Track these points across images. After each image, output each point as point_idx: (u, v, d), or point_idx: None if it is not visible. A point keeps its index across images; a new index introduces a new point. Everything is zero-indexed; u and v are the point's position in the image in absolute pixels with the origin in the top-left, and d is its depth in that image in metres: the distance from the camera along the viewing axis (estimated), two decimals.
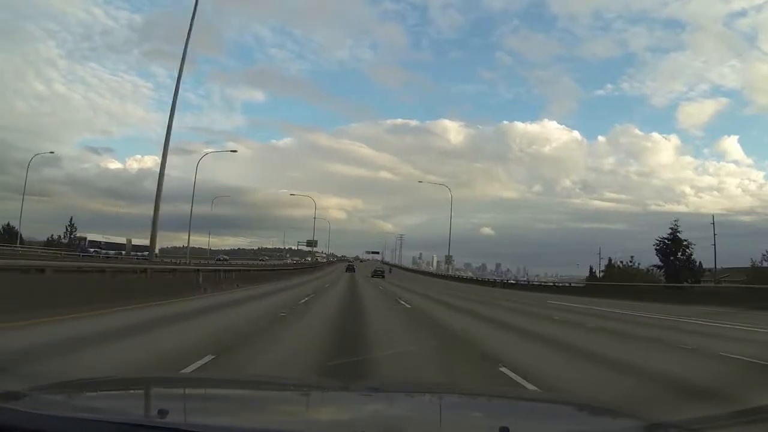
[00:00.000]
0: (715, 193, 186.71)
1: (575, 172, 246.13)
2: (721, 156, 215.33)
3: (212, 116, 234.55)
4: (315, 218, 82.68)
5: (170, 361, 6.57)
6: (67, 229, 68.06)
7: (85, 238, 61.95)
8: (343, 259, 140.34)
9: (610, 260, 54.23)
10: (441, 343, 9.59)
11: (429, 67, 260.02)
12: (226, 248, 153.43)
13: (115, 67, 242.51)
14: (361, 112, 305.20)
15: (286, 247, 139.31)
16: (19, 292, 9.89)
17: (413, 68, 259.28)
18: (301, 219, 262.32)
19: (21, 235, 59.54)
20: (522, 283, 59.11)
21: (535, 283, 57.44)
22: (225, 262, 62.54)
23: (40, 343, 6.93)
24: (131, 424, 1.55)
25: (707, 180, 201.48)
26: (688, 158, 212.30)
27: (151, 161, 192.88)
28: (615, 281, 39.11)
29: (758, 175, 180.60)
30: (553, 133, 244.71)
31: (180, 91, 21.35)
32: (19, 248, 48.76)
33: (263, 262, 77.35)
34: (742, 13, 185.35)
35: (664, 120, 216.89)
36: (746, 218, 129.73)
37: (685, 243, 39.86)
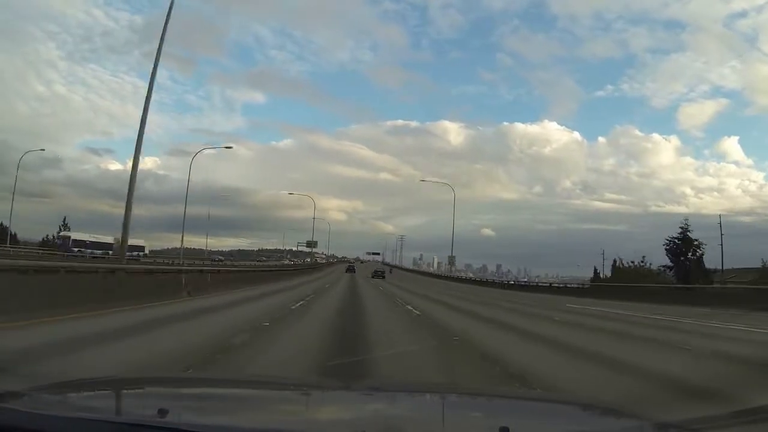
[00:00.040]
0: (716, 194, 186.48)
1: (575, 173, 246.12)
2: (721, 157, 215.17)
3: (212, 118, 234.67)
4: (314, 218, 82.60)
5: None
6: (60, 229, 66.68)
7: (69, 237, 59.88)
8: (343, 260, 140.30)
9: (614, 261, 53.29)
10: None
11: (429, 68, 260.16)
12: (226, 249, 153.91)
13: (115, 68, 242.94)
14: (361, 114, 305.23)
15: (287, 249, 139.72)
16: None
17: (413, 69, 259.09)
18: (302, 220, 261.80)
19: (15, 234, 59.20)
20: (523, 284, 58.91)
21: (540, 284, 56.22)
22: (219, 263, 62.24)
23: None
24: (131, 424, 1.55)
25: (707, 181, 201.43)
26: (689, 159, 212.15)
27: (152, 162, 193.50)
28: (625, 282, 37.63)
29: (758, 176, 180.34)
30: (553, 134, 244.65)
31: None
32: (9, 248, 47.76)
33: (260, 263, 77.21)
34: (743, 14, 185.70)
35: (664, 121, 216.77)
36: (746, 219, 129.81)
37: (696, 243, 39.03)
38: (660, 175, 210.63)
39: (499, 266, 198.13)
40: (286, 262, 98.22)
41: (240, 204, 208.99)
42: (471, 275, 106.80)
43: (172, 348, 7.69)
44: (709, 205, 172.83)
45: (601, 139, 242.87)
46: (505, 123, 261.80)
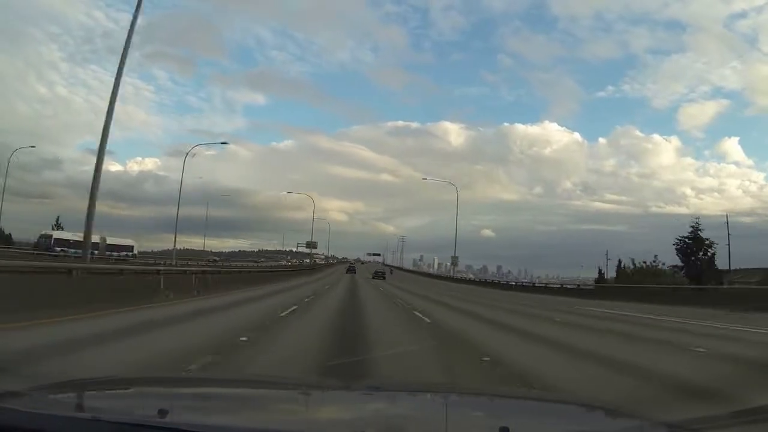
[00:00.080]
0: (716, 194, 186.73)
1: (576, 173, 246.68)
2: (721, 157, 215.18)
3: (213, 119, 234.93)
4: (314, 218, 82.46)
5: None
6: (53, 229, 64.57)
7: (51, 236, 57.93)
8: (343, 261, 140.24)
9: (619, 262, 52.15)
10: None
11: (430, 69, 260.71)
12: (227, 250, 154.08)
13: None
14: (362, 115, 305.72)
15: (287, 249, 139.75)
16: None
17: (414, 70, 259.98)
18: (302, 221, 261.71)
19: (10, 235, 59.21)
20: (525, 284, 58.47)
21: (546, 285, 54.88)
22: (214, 263, 61.63)
23: None
24: (131, 424, 1.55)
25: (708, 181, 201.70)
26: (689, 160, 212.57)
27: (152, 164, 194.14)
28: (634, 283, 36.66)
29: (759, 177, 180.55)
30: (554, 135, 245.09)
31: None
32: None
33: (257, 263, 76.75)
34: (743, 15, 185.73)
35: (664, 121, 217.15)
36: (747, 219, 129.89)
37: (707, 242, 38.45)
38: (660, 175, 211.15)
39: (499, 267, 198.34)
40: (284, 263, 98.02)
41: (240, 205, 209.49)
42: (471, 276, 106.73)
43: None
44: (710, 205, 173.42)
45: (601, 139, 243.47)
46: (506, 124, 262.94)
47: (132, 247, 67.36)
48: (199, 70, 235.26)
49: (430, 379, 6.21)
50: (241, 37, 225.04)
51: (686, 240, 38.73)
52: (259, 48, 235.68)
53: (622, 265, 50.58)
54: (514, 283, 61.69)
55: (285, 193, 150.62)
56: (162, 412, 1.64)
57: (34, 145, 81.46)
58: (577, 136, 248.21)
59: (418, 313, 15.99)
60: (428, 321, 13.88)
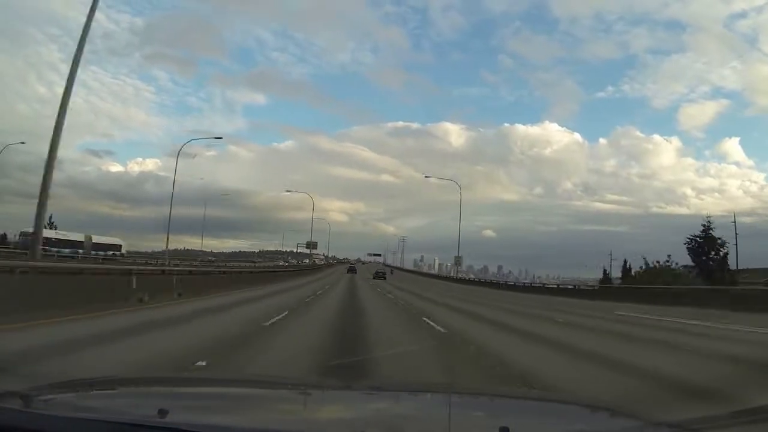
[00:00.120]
0: (717, 194, 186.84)
1: (576, 174, 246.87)
2: (722, 158, 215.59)
3: (213, 119, 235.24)
4: (313, 218, 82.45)
5: None
6: (48, 228, 66.02)
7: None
8: (344, 261, 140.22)
9: (625, 262, 50.90)
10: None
11: (431, 70, 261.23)
12: (228, 251, 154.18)
13: (116, 70, 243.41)
14: (362, 115, 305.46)
15: (287, 250, 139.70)
16: None
17: (415, 71, 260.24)
18: (303, 222, 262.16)
19: (5, 235, 58.97)
20: (526, 285, 58.22)
21: (548, 285, 53.42)
22: (210, 263, 61.27)
23: None
24: (131, 424, 1.55)
25: (708, 182, 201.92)
26: (690, 160, 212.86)
27: (153, 164, 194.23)
28: (648, 284, 33.76)
29: (759, 177, 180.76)
30: (554, 136, 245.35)
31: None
32: None
33: (254, 264, 76.54)
34: (743, 15, 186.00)
35: (665, 122, 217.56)
36: (747, 219, 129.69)
37: (719, 241, 37.70)
38: (661, 176, 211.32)
39: (500, 267, 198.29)
40: (281, 263, 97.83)
41: (241, 205, 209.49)
42: (472, 276, 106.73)
43: None
44: (710, 206, 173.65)
45: (602, 140, 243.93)
46: (506, 124, 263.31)
47: (120, 246, 65.86)
48: (199, 70, 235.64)
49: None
50: (242, 37, 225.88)
51: (698, 239, 37.93)
52: (259, 48, 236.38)
53: (627, 266, 49.49)
54: (514, 284, 61.36)
55: (285, 192, 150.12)
56: (162, 412, 1.64)
57: (23, 141, 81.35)
58: (577, 136, 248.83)
59: (425, 318, 14.64)
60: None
